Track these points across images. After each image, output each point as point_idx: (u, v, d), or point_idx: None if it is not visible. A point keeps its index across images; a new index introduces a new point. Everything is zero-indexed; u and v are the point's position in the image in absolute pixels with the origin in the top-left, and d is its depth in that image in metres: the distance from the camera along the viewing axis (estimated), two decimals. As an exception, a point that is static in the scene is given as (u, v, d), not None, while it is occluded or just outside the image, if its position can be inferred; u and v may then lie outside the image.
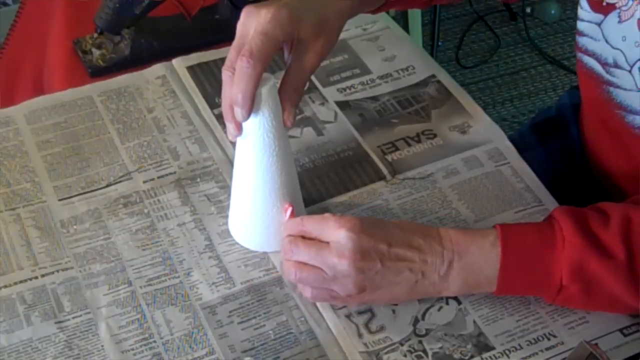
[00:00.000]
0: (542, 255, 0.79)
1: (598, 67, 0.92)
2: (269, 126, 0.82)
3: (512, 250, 0.80)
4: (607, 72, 0.91)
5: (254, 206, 0.87)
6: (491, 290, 0.82)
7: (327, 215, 0.82)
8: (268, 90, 0.81)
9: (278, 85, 0.83)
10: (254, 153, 0.84)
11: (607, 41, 0.90)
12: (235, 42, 0.82)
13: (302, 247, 0.81)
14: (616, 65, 0.90)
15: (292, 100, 0.83)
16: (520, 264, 0.80)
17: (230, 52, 0.81)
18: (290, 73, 0.84)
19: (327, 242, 0.80)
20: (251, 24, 0.81)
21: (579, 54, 0.95)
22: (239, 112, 0.80)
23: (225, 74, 0.81)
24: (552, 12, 2.62)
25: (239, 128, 0.82)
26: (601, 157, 1.02)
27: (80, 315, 0.83)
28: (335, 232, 0.79)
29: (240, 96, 0.79)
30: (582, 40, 0.94)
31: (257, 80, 0.79)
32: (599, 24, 0.91)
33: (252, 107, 0.80)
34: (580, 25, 0.94)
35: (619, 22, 0.88)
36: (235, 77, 0.79)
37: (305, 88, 0.87)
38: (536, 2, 2.65)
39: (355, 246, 0.79)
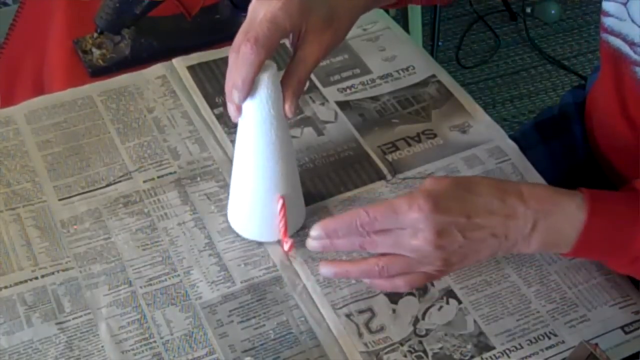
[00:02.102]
0: (626, 226, 0.78)
1: (625, 47, 0.92)
2: (267, 113, 0.83)
3: (598, 216, 0.78)
4: (635, 51, 0.90)
5: (249, 194, 0.88)
6: (565, 252, 0.80)
7: (393, 200, 0.76)
8: (268, 77, 0.81)
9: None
10: (251, 138, 0.84)
11: (633, 21, 0.89)
12: (243, 25, 0.82)
13: (380, 242, 0.77)
14: None
15: (294, 90, 0.83)
16: (602, 231, 0.78)
17: (237, 34, 0.82)
18: (294, 64, 0.84)
19: (403, 228, 0.76)
20: (261, 9, 0.81)
21: (604, 35, 0.94)
22: (236, 96, 0.81)
23: (230, 56, 0.81)
24: (552, 12, 2.63)
25: (239, 110, 0.83)
26: (614, 148, 1.01)
27: (81, 316, 0.83)
28: (407, 216, 0.75)
29: (240, 81, 0.80)
30: (607, 21, 0.93)
31: (258, 67, 0.80)
32: (624, 4, 0.90)
33: (249, 92, 0.81)
34: (606, 6, 0.93)
35: None
36: (238, 61, 0.80)
37: (307, 84, 0.86)
38: (536, 2, 2.65)
39: (430, 227, 0.75)
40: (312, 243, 0.79)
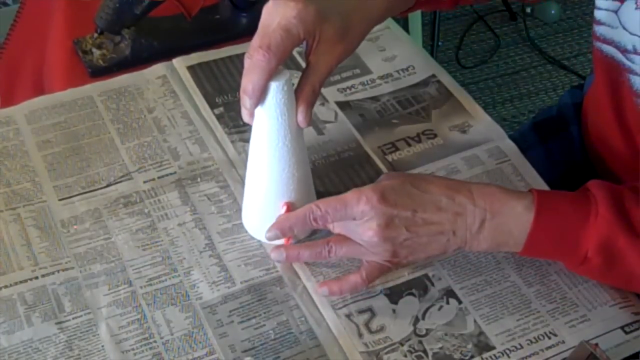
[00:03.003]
0: (573, 226, 0.80)
1: (618, 55, 0.92)
2: (276, 120, 0.83)
3: (545, 218, 0.80)
4: (627, 59, 0.91)
5: (255, 197, 0.88)
6: (516, 251, 0.82)
7: (344, 194, 0.81)
8: (279, 85, 0.81)
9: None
10: (260, 143, 0.85)
11: (624, 28, 0.90)
12: (258, 30, 0.83)
13: (335, 224, 0.82)
14: (635, 52, 0.89)
15: (307, 99, 0.84)
16: (550, 232, 0.80)
17: (253, 39, 0.82)
18: (307, 73, 0.84)
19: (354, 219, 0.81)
20: (276, 15, 0.82)
21: (597, 43, 0.95)
22: (246, 101, 0.82)
23: (245, 61, 0.82)
24: (552, 12, 2.63)
25: (252, 114, 0.84)
26: (608, 152, 1.02)
27: (81, 316, 0.83)
28: (356, 208, 0.80)
29: (250, 87, 0.81)
30: (599, 29, 0.94)
31: (270, 74, 0.80)
32: (615, 12, 0.90)
33: (259, 98, 0.82)
34: (598, 14, 0.93)
35: (636, 8, 0.87)
36: (251, 67, 0.80)
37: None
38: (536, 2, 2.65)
39: (376, 217, 0.79)
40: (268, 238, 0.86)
